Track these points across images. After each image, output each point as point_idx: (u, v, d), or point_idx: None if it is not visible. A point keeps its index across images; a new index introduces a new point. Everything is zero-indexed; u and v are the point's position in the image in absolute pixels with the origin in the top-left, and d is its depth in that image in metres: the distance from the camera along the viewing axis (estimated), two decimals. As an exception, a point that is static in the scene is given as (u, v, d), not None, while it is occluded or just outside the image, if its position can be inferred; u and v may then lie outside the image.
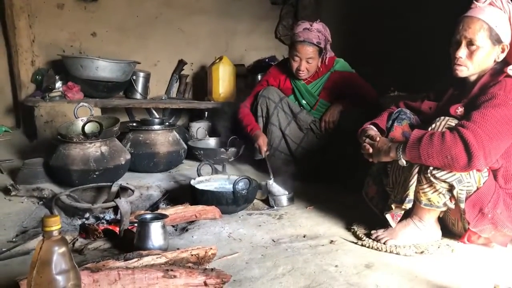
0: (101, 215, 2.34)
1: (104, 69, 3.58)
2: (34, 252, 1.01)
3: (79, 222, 2.28)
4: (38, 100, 3.54)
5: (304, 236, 2.04)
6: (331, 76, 3.00)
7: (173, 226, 2.20)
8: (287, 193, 2.55)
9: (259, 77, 3.76)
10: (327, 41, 2.93)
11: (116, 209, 2.28)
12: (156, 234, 1.76)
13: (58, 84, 3.76)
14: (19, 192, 2.44)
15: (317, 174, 2.89)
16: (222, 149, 3.08)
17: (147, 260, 1.54)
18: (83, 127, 2.51)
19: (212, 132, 3.63)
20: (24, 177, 2.61)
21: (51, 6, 3.94)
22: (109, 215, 2.34)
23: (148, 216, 1.85)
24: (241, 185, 2.35)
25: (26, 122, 3.83)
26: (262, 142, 2.90)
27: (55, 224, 1.01)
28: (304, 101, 3.07)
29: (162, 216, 1.82)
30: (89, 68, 3.58)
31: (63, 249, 1.01)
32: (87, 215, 2.34)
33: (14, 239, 1.94)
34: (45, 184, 2.59)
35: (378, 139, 1.94)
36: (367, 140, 1.98)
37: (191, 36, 4.20)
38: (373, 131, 2.03)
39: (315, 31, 2.87)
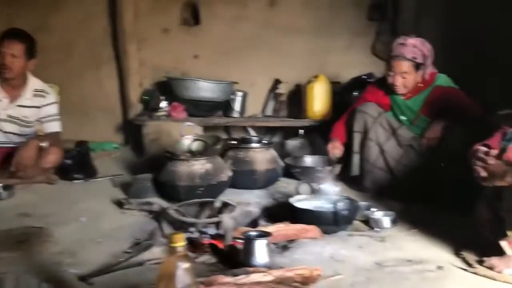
0: (204, 229, 2.43)
1: (205, 89, 3.78)
2: (161, 266, 1.09)
3: (185, 236, 2.39)
4: (145, 119, 3.81)
5: (409, 260, 1.97)
6: (433, 91, 2.93)
7: (274, 244, 2.23)
8: (389, 214, 2.49)
9: (356, 94, 3.73)
10: (426, 56, 2.86)
11: (218, 224, 2.36)
12: (261, 251, 1.80)
13: (163, 104, 4.01)
14: (131, 205, 2.63)
15: (420, 194, 2.78)
16: (319, 168, 3.08)
17: (254, 277, 1.58)
18: (190, 145, 2.65)
19: (308, 150, 3.64)
20: (135, 191, 2.80)
21: (158, 31, 4.24)
22: (212, 230, 2.43)
23: (253, 233, 1.90)
24: (342, 205, 2.33)
25: (133, 139, 4.12)
26: (331, 145, 3.00)
27: (180, 240, 1.08)
28: (403, 117, 3.01)
29: (267, 234, 1.87)
30: (192, 88, 3.79)
31: (187, 264, 1.07)
32: (192, 229, 2.44)
33: (129, 250, 2.08)
34: (154, 198, 2.76)
35: (491, 162, 1.83)
36: (479, 163, 1.87)
37: (287, 55, 4.27)
38: (485, 153, 1.92)
39: (410, 46, 2.84)
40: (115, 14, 4.13)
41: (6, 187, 2.81)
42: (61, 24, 4.18)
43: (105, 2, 4.19)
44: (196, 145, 2.71)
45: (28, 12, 4.12)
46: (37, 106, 3.15)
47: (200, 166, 2.66)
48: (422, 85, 2.94)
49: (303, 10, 4.26)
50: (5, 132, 3.08)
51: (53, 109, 3.22)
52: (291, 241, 2.23)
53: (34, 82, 3.17)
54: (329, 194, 2.52)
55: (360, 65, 4.16)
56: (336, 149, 3.05)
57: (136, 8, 4.13)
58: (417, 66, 2.86)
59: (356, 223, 2.51)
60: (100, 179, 3.25)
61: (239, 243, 2.02)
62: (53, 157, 3.02)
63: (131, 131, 4.15)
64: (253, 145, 3.02)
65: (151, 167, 3.12)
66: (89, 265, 1.89)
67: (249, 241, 1.81)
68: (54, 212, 2.56)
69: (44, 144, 2.98)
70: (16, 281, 1.64)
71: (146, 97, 4.15)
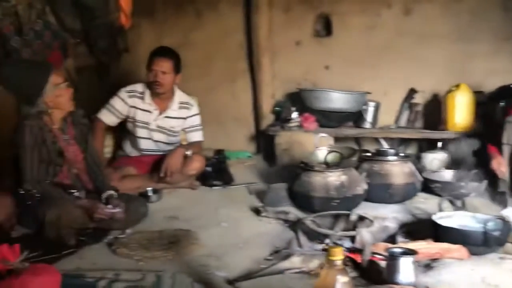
0: (339, 242, 2.41)
1: (337, 100, 3.77)
2: (319, 278, 1.10)
3: (319, 247, 2.39)
4: (277, 130, 3.92)
5: None
6: None
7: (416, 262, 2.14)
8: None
9: (503, 104, 3.44)
10: None
11: (353, 237, 2.33)
12: (406, 269, 1.74)
13: (294, 114, 4.07)
14: (267, 213, 2.71)
15: None
16: (462, 183, 2.89)
17: (402, 296, 1.53)
18: (325, 157, 2.66)
19: (448, 164, 3.43)
20: (270, 199, 2.89)
21: (290, 44, 4.32)
22: (347, 243, 2.40)
23: (397, 250, 1.84)
24: (492, 225, 2.16)
25: (265, 149, 4.25)
26: (496, 162, 2.76)
27: (339, 254, 1.08)
28: None
29: (412, 252, 1.80)
30: (324, 99, 3.81)
31: (346, 278, 1.08)
32: (326, 240, 2.44)
33: (269, 258, 2.14)
34: (288, 207, 2.81)
35: None
36: None
37: (422, 63, 4.08)
38: None
39: None
40: (250, 29, 4.31)
41: (155, 191, 3.08)
42: (201, 41, 4.47)
43: (241, 19, 4.39)
44: (331, 157, 2.72)
45: (172, 30, 4.49)
46: (182, 117, 3.41)
47: (335, 178, 2.66)
48: None
49: (442, 15, 4.05)
50: (155, 140, 3.38)
51: (197, 120, 3.47)
52: (434, 260, 2.13)
53: (179, 95, 3.44)
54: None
55: (507, 72, 3.81)
56: (502, 166, 2.83)
57: (271, 23, 4.27)
58: None
59: (509, 245, 2.30)
60: (236, 186, 3.41)
61: (378, 259, 1.98)
62: (197, 165, 3.25)
63: (263, 141, 4.29)
64: (390, 157, 2.93)
65: (283, 176, 3.20)
66: (234, 269, 1.99)
67: (394, 258, 1.75)
68: (198, 216, 2.75)
69: (188, 153, 3.22)
70: (172, 279, 1.78)
71: (278, 108, 4.26)
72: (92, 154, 2.67)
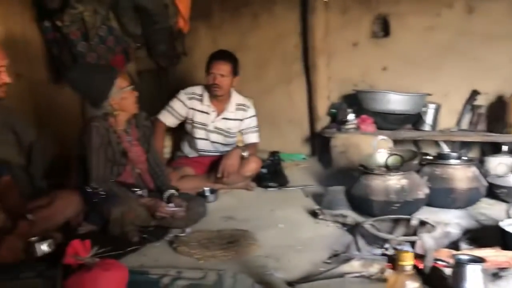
0: (399, 247, 2.35)
1: (396, 102, 3.69)
2: (388, 283, 1.09)
3: (378, 251, 2.35)
4: (333, 132, 3.87)
5: None
6: None
7: (483, 270, 2.05)
8: None
9: None
10: None
11: (413, 242, 2.27)
12: (474, 277, 1.67)
13: (350, 116, 4.02)
14: (325, 216, 2.69)
15: None
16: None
17: (470, 305, 1.47)
18: (386, 159, 2.61)
19: (515, 169, 3.28)
20: (327, 202, 2.86)
21: (347, 45, 4.28)
22: (408, 248, 2.34)
23: (464, 256, 1.78)
24: None
25: (320, 151, 4.22)
26: None
27: (409, 259, 1.06)
28: None
29: (481, 259, 1.73)
30: (382, 101, 3.74)
31: (416, 285, 1.05)
32: (386, 245, 2.39)
33: (328, 261, 2.12)
34: (346, 210, 2.78)
35: None
36: None
37: (486, 64, 3.92)
38: None
39: None
40: (306, 31, 4.30)
41: (212, 191, 3.13)
42: (256, 43, 4.52)
43: (297, 21, 4.39)
44: (391, 160, 2.66)
45: (228, 33, 4.56)
46: (239, 119, 3.46)
47: (395, 181, 2.60)
48: None
49: (508, 14, 3.87)
50: (212, 141, 3.44)
51: (253, 122, 3.51)
52: (503, 269, 2.03)
53: (236, 97, 3.48)
54: None
55: None
56: None
57: (327, 24, 4.24)
58: None
59: None
60: (291, 188, 3.41)
61: (441, 265, 1.92)
62: (253, 166, 3.28)
63: (318, 143, 4.26)
64: (453, 161, 2.83)
65: (339, 179, 3.16)
66: (292, 271, 1.99)
67: (461, 265, 1.69)
68: (254, 217, 2.77)
69: (245, 154, 3.26)
70: (234, 279, 1.80)
71: (333, 110, 4.22)
72: (154, 155, 2.75)
